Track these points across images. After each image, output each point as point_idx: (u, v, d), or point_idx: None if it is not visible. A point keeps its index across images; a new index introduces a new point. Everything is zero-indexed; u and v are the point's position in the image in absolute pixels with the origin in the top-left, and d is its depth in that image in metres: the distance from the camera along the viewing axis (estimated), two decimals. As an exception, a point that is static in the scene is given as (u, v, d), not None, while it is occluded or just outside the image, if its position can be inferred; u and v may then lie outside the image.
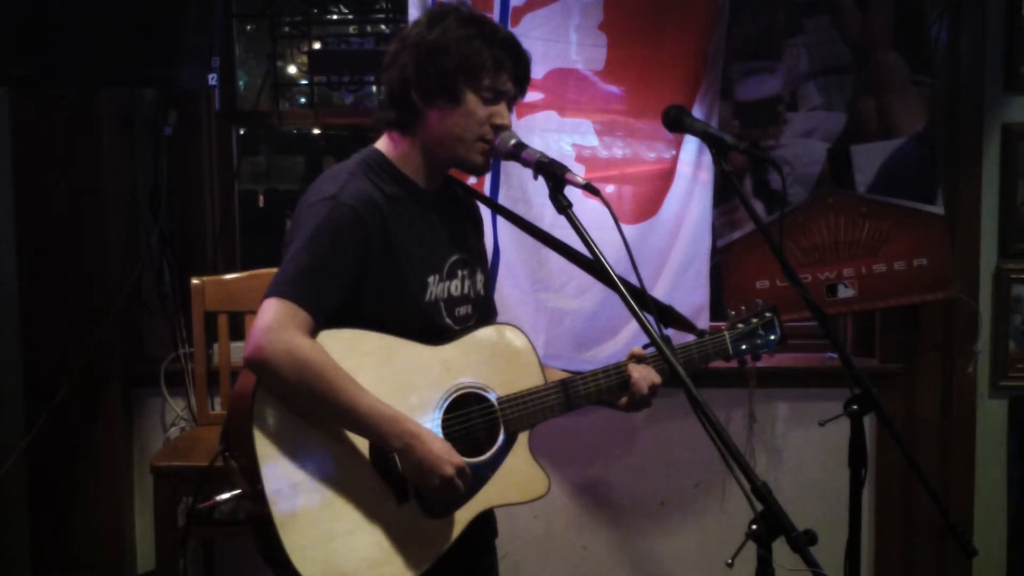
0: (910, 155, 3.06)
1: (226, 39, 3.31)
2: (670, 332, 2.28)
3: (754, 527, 1.52)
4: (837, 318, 3.28)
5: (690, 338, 2.19)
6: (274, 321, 1.78)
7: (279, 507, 1.79)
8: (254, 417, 1.80)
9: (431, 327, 1.99)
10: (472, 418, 2.00)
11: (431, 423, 1.94)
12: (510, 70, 1.95)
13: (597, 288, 2.91)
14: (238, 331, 3.03)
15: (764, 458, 3.28)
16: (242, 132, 3.58)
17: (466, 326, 2.07)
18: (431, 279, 2.00)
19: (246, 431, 1.80)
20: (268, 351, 1.76)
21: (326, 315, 1.85)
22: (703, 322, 3.02)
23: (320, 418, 1.85)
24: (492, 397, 2.02)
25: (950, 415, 3.24)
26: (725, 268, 3.12)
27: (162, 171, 3.20)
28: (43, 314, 3.14)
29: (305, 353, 1.78)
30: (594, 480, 3.32)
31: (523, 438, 2.05)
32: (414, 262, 1.97)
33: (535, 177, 1.91)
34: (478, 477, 1.98)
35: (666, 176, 3.00)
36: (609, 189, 2.97)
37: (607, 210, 1.82)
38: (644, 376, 2.07)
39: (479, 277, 2.14)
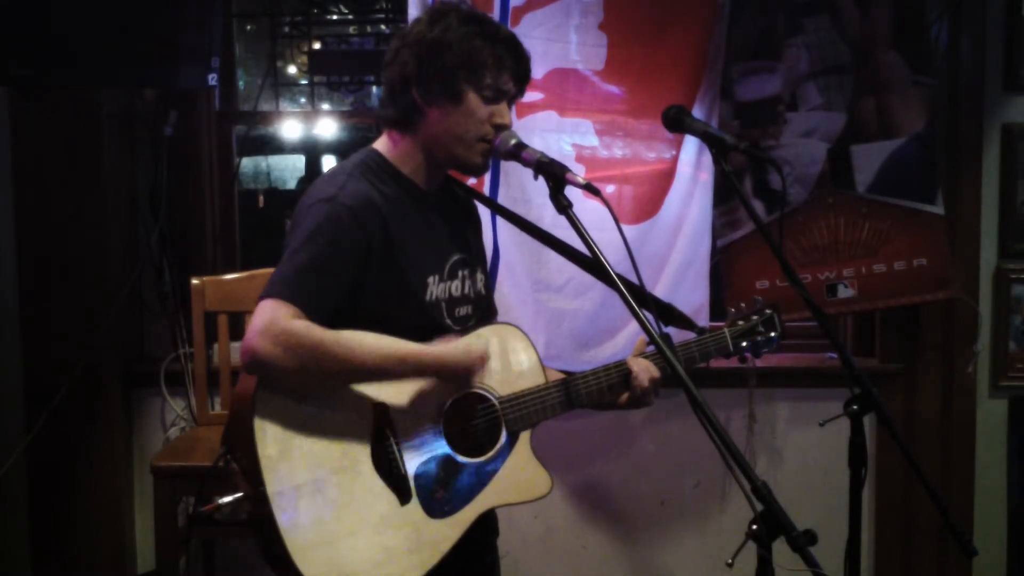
0: (910, 155, 3.06)
1: (226, 39, 3.31)
2: (670, 330, 2.28)
3: (754, 527, 1.52)
4: (837, 318, 3.29)
5: (691, 336, 2.19)
6: (266, 322, 1.76)
7: (281, 508, 1.78)
8: (255, 419, 1.79)
9: (431, 327, 1.99)
10: (474, 418, 2.00)
11: (433, 425, 1.94)
12: (511, 69, 1.95)
13: (597, 288, 2.91)
14: (238, 331, 3.02)
15: (764, 458, 3.28)
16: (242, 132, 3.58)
17: (466, 326, 2.06)
18: (431, 279, 2.00)
19: (248, 432, 1.80)
20: (261, 350, 1.75)
21: (323, 316, 1.84)
22: (703, 321, 3.02)
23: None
24: (493, 397, 2.02)
25: (950, 415, 3.24)
26: (725, 268, 3.12)
27: (162, 171, 3.20)
28: (43, 314, 3.15)
29: (297, 336, 1.76)
30: (594, 480, 3.32)
31: (525, 438, 2.05)
32: (414, 263, 1.97)
33: (535, 177, 1.91)
34: (480, 477, 1.98)
35: (666, 176, 3.00)
36: (609, 189, 2.97)
37: (607, 210, 1.82)
38: (644, 369, 2.07)
39: (479, 277, 2.14)
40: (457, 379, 1.94)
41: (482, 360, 1.93)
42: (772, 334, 2.22)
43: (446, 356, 1.89)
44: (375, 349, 1.84)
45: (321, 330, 1.79)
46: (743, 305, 2.24)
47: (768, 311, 2.23)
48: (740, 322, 2.21)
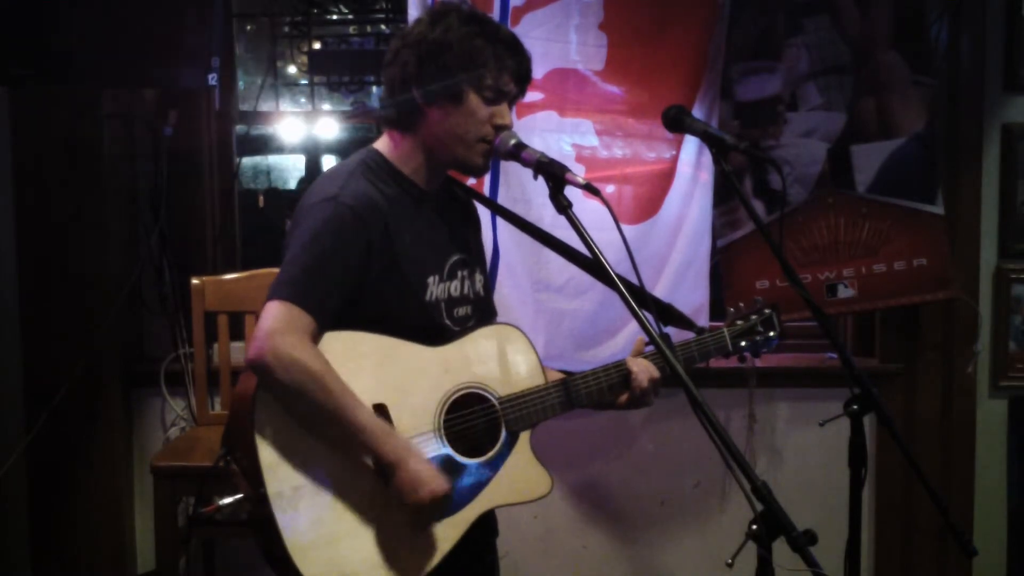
0: (910, 155, 3.06)
1: (226, 39, 3.31)
2: (670, 330, 2.28)
3: (754, 527, 1.52)
4: (837, 318, 3.28)
5: (690, 336, 2.19)
6: (276, 325, 1.77)
7: (281, 509, 1.79)
8: (256, 419, 1.80)
9: (431, 328, 1.99)
10: (473, 418, 2.00)
11: (433, 424, 1.94)
12: (512, 69, 1.95)
13: (597, 288, 2.91)
14: (238, 331, 3.03)
15: (764, 458, 3.28)
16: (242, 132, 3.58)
17: (465, 327, 2.06)
18: (431, 279, 2.00)
19: (248, 433, 1.80)
20: (270, 357, 1.76)
21: (329, 316, 1.85)
22: (702, 322, 3.01)
23: (317, 423, 1.85)
24: (493, 397, 2.02)
25: (950, 415, 3.24)
26: (725, 268, 3.12)
27: (162, 171, 3.20)
28: (43, 314, 3.14)
29: (306, 362, 1.78)
30: (594, 480, 3.32)
31: (525, 438, 2.04)
32: (415, 263, 1.97)
33: (535, 177, 1.91)
34: (480, 477, 1.98)
35: (666, 176, 3.00)
36: (609, 189, 2.97)
37: (607, 210, 1.82)
38: (644, 369, 2.07)
39: (478, 278, 2.14)
40: (401, 485, 1.84)
41: (425, 498, 1.82)
42: (771, 334, 2.22)
43: (413, 462, 1.83)
44: (363, 410, 1.83)
45: (327, 364, 1.81)
46: (742, 305, 2.24)
47: (767, 311, 2.23)
48: (739, 322, 2.21)
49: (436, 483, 1.84)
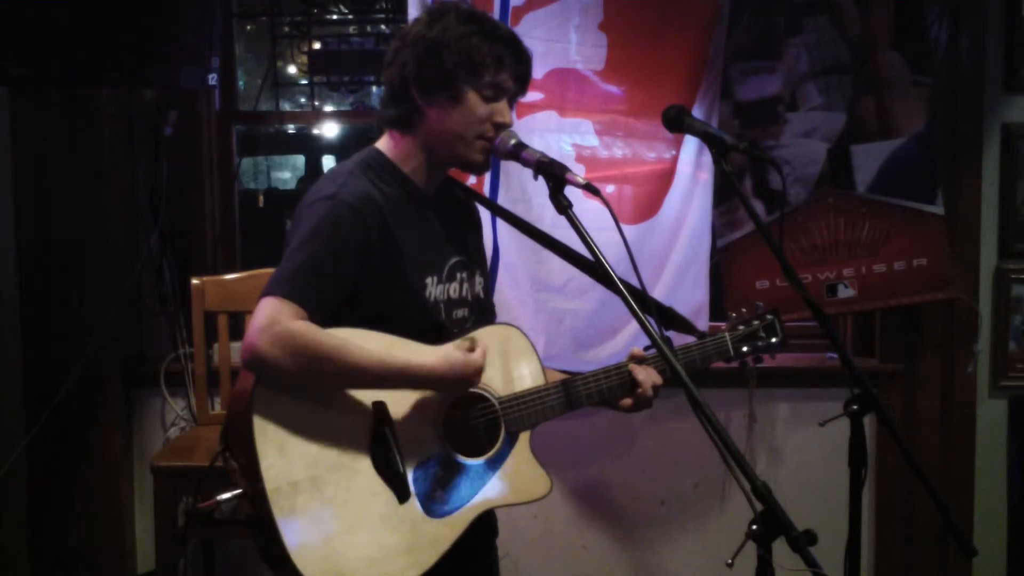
0: (910, 155, 3.06)
1: (226, 39, 3.31)
2: (670, 333, 2.27)
3: (754, 527, 1.52)
4: (837, 318, 3.28)
5: (690, 339, 2.19)
6: (267, 320, 1.77)
7: (279, 506, 1.78)
8: (253, 416, 1.79)
9: (429, 328, 1.99)
10: (473, 418, 2.00)
11: (432, 424, 1.94)
12: (511, 67, 1.95)
13: (597, 288, 2.90)
14: (238, 331, 3.02)
15: (764, 458, 3.28)
16: (242, 132, 3.58)
17: (463, 328, 2.06)
18: (430, 280, 2.00)
19: (246, 430, 1.80)
20: (262, 348, 1.75)
21: (324, 313, 1.84)
22: (703, 322, 3.02)
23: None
24: (493, 397, 2.02)
25: (950, 415, 3.24)
26: (725, 268, 3.12)
27: (162, 171, 3.20)
28: (43, 314, 3.15)
29: (299, 337, 1.77)
30: (594, 480, 3.32)
31: (524, 438, 2.05)
32: (414, 262, 1.97)
33: (535, 177, 1.91)
34: (479, 477, 1.98)
35: (666, 176, 3.00)
36: (609, 189, 2.97)
37: (607, 210, 1.82)
38: (648, 377, 2.07)
39: (477, 280, 2.14)
40: (455, 389, 1.94)
41: (479, 372, 1.92)
42: (773, 340, 2.20)
43: (446, 372, 1.89)
44: (375, 358, 1.83)
45: (324, 333, 1.80)
46: (744, 310, 2.23)
47: (769, 316, 2.21)
48: (741, 327, 2.20)
49: (469, 371, 1.89)
